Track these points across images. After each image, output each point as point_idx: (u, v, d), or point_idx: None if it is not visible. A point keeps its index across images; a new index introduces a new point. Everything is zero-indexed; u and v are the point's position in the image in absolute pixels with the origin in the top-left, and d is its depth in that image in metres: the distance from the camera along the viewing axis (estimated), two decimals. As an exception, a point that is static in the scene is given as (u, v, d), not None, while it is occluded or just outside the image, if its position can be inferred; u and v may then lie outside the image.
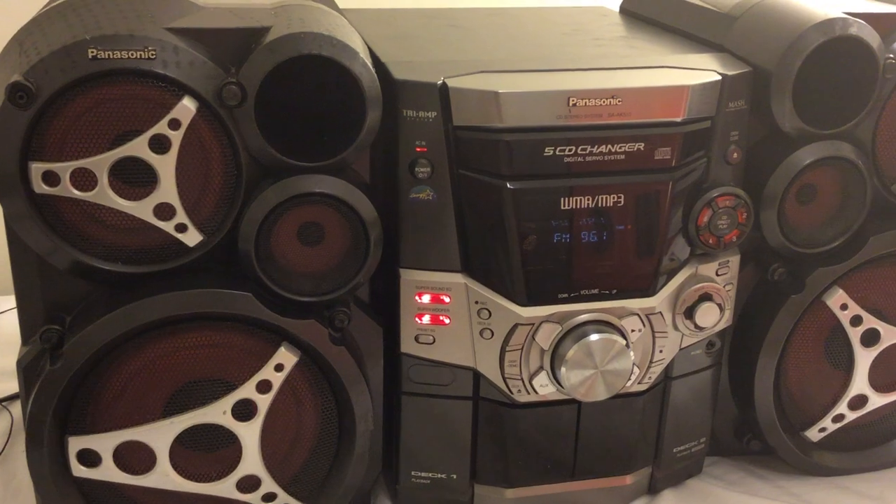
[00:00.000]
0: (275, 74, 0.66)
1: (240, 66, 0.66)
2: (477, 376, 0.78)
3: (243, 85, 0.66)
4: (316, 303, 0.72)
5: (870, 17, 0.77)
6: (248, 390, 0.72)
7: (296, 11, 0.71)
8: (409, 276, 0.75)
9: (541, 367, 0.77)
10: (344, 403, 0.76)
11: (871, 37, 0.76)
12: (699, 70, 0.76)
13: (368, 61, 0.69)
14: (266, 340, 0.72)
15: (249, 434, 0.73)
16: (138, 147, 0.65)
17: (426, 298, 0.76)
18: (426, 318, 0.76)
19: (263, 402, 0.72)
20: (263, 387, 0.72)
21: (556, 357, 0.76)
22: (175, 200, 0.67)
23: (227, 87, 0.66)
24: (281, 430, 0.75)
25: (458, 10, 1.04)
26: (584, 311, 0.76)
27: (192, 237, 0.68)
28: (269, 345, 0.72)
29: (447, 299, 0.76)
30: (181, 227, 0.68)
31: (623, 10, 1.05)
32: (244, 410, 0.72)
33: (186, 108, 0.65)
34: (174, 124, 0.65)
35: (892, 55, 0.78)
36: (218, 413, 0.71)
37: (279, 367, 0.72)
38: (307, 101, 0.68)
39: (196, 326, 0.71)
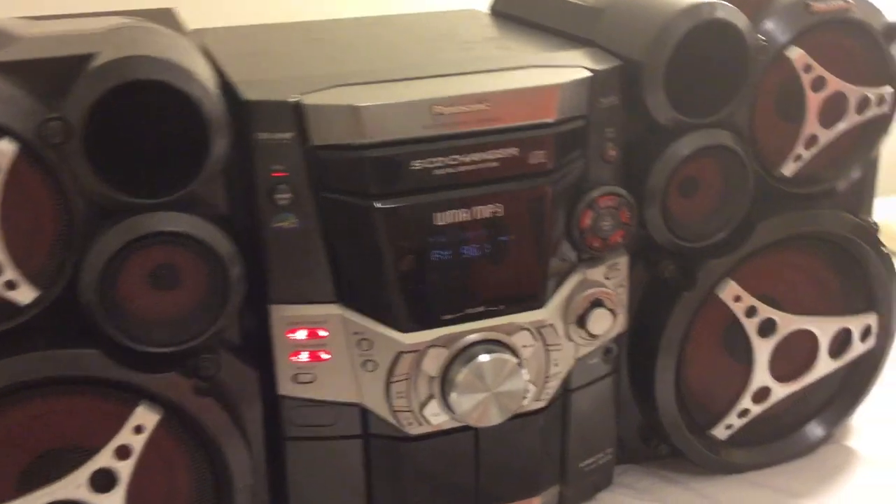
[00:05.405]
0: (106, 105, 0.59)
1: (64, 98, 0.60)
2: (364, 412, 0.73)
3: (68, 119, 0.59)
4: (176, 352, 0.65)
5: (737, 0, 0.75)
6: (105, 458, 0.64)
7: (127, 34, 0.65)
8: (280, 312, 0.70)
9: (431, 396, 0.72)
10: (219, 459, 0.69)
11: (740, 19, 0.74)
12: (568, 67, 0.73)
13: (211, 83, 0.63)
14: (121, 400, 0.65)
15: (111, 506, 0.65)
16: (-51, 201, 0.58)
17: (301, 334, 0.70)
18: (304, 356, 0.70)
19: (124, 468, 0.65)
20: (123, 452, 0.65)
21: (446, 383, 0.71)
22: (0, 255, 0.60)
23: (49, 124, 0.59)
24: (150, 497, 0.68)
25: (322, 23, 0.98)
26: (472, 331, 0.71)
27: (24, 294, 0.61)
28: (126, 405, 0.65)
29: (324, 333, 0.70)
30: (11, 285, 0.60)
31: (494, 12, 1.01)
32: (104, 480, 0.65)
33: (2, 151, 0.58)
34: (-10, 171, 0.58)
35: (761, 36, 0.76)
36: (72, 487, 0.64)
37: (139, 429, 0.65)
38: (149, 132, 0.62)
39: (40, 393, 0.64)
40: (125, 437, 0.65)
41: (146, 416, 0.65)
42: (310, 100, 0.66)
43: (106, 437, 0.65)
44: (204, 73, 0.63)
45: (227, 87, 0.69)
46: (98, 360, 0.63)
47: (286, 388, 0.71)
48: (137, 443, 0.65)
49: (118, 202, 0.61)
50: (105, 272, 0.62)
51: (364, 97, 0.66)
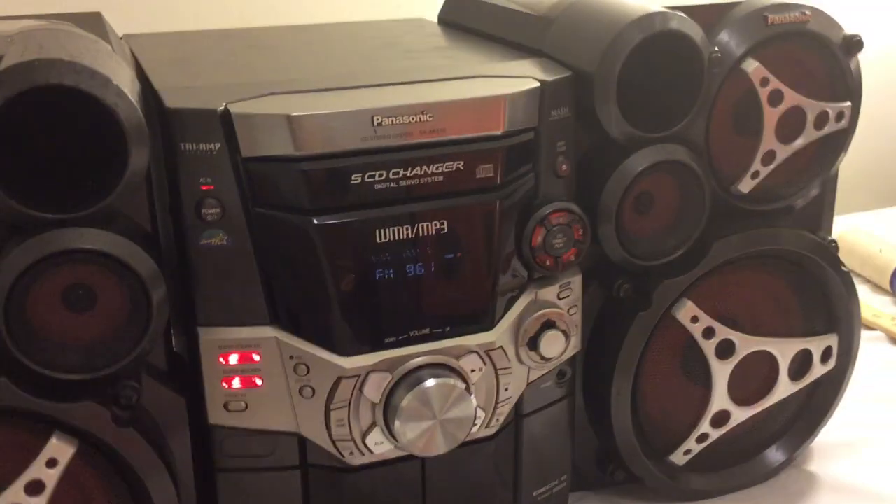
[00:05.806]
0: (12, 113, 0.55)
1: (-35, 106, 0.55)
2: (302, 441, 0.68)
3: (-31, 129, 0.54)
4: (93, 379, 0.60)
5: (692, 10, 0.72)
6: (15, 494, 0.59)
7: (37, 37, 0.60)
8: (210, 336, 0.65)
9: (373, 424, 0.68)
10: (142, 493, 0.64)
11: (694, 31, 0.71)
12: (517, 78, 0.69)
13: (130, 89, 0.58)
14: (33, 431, 0.60)
15: (23, 547, 0.60)
16: None
17: (233, 359, 0.65)
18: (236, 382, 0.66)
19: (37, 506, 0.60)
20: (34, 488, 0.60)
21: (389, 410, 0.67)
22: None
23: None
24: (66, 536, 0.63)
25: (261, 30, 0.94)
26: (417, 354, 0.67)
27: (-77, 317, 0.56)
28: (38, 436, 0.60)
29: (257, 357, 0.66)
30: None
31: (441, 21, 0.98)
32: (15, 519, 0.60)
33: None
34: None
35: (716, 48, 0.73)
36: (-21, 527, 0.59)
37: (52, 463, 0.60)
38: (65, 142, 0.57)
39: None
40: (37, 470, 0.60)
41: (60, 449, 0.60)
42: (238, 108, 0.62)
43: (16, 471, 0.60)
44: (123, 78, 0.59)
45: (154, 95, 0.65)
46: (4, 389, 0.58)
47: (217, 416, 0.67)
48: (50, 477, 0.60)
49: (25, 216, 0.56)
50: (11, 293, 0.57)
51: (298, 106, 0.62)
